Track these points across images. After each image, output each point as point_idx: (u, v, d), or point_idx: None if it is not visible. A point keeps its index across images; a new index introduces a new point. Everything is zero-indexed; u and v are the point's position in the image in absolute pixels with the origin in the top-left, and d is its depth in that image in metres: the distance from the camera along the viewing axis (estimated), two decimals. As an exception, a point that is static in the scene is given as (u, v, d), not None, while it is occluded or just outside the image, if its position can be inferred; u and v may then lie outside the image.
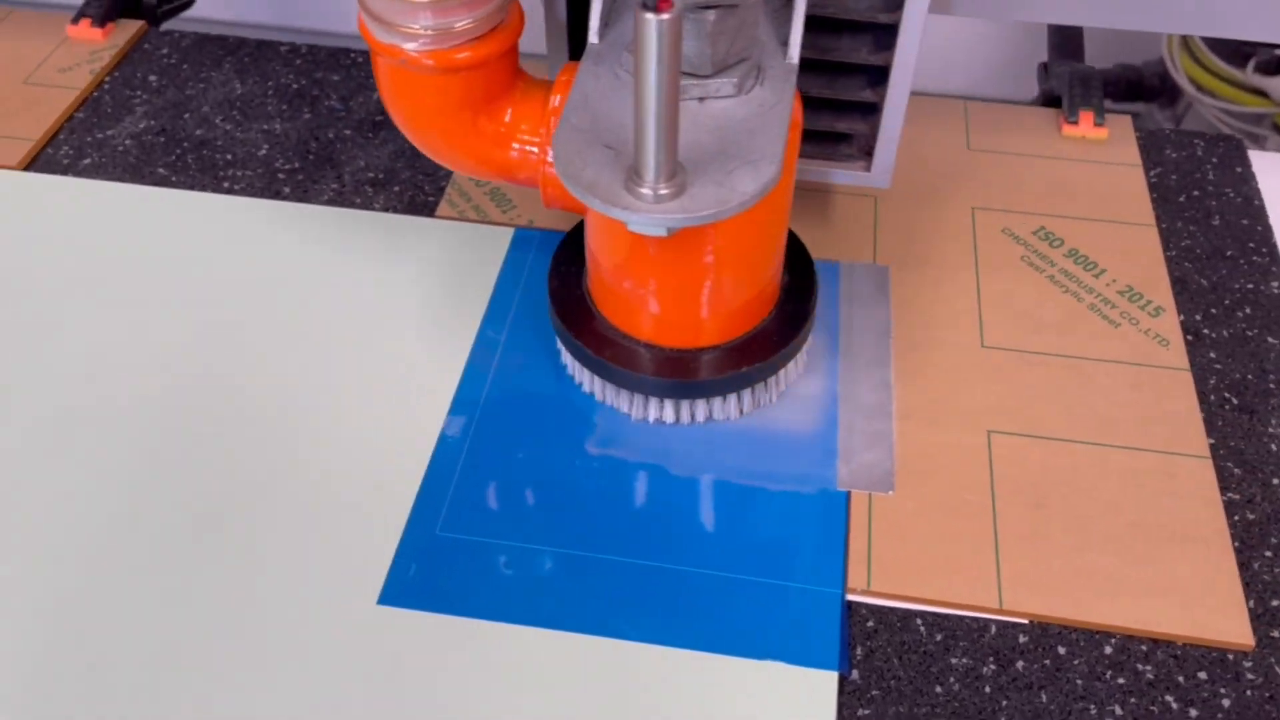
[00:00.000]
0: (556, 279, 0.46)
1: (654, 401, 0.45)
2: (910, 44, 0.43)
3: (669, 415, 0.45)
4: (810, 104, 0.46)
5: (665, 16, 0.31)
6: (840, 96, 0.45)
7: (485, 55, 0.40)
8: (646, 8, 0.31)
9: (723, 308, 0.43)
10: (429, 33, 0.39)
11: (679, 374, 0.43)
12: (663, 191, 0.35)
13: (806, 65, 0.44)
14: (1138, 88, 1.23)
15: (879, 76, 0.45)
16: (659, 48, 0.31)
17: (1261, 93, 1.08)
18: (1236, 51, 1.08)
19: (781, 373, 0.45)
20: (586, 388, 0.46)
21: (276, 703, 0.38)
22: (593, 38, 0.41)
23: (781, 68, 0.39)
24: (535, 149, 0.43)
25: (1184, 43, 1.14)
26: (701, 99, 0.38)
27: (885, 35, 0.44)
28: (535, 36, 0.45)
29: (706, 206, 0.35)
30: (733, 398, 0.45)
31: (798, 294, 0.45)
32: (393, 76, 0.41)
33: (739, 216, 0.36)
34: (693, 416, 0.45)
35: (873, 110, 0.46)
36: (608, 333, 0.44)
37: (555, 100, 0.42)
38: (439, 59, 0.39)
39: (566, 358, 0.47)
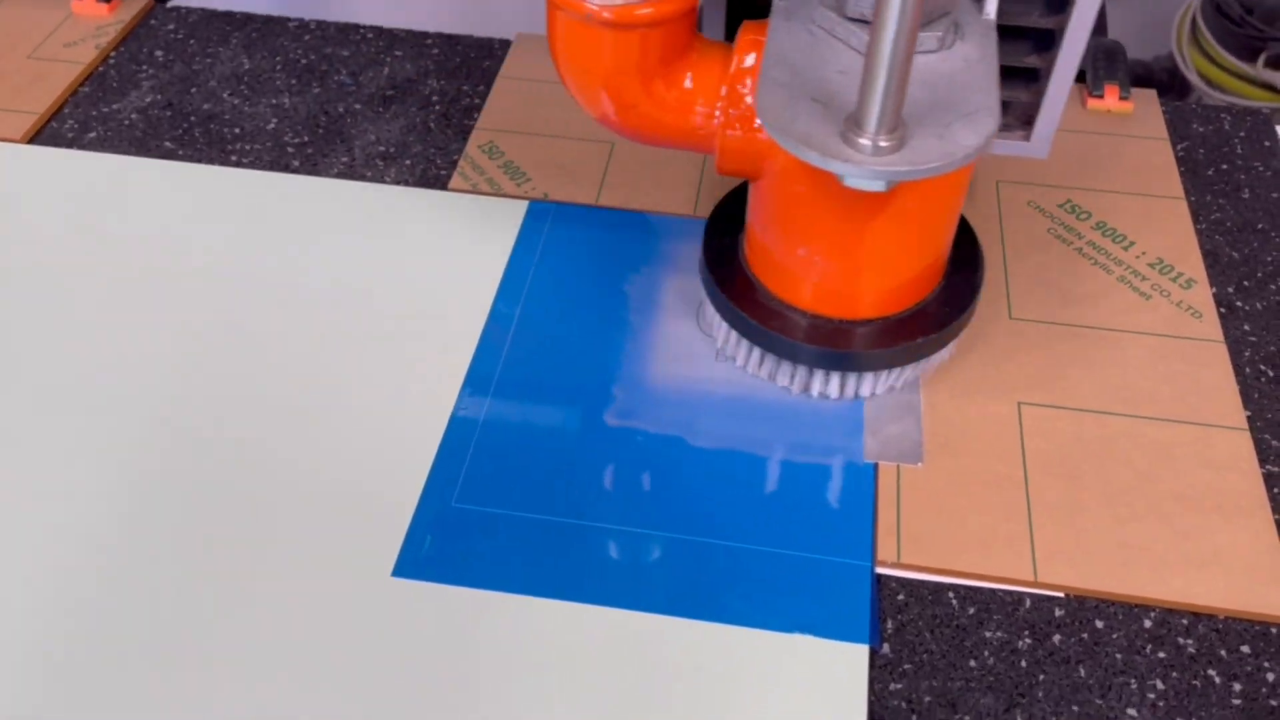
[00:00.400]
0: (712, 251, 0.44)
1: (818, 374, 0.43)
2: (1087, 8, 0.41)
3: (833, 390, 0.44)
4: None
5: None
6: (1006, 62, 0.43)
7: (667, 13, 0.38)
8: None
9: (901, 275, 0.41)
10: None
11: (846, 345, 0.42)
12: (883, 144, 0.33)
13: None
14: (1147, 83, 1.22)
15: (1045, 42, 0.43)
16: None
17: (1271, 87, 1.07)
18: (1246, 46, 1.07)
19: (947, 347, 0.44)
20: (740, 362, 0.45)
21: (292, 675, 0.36)
22: None
23: (979, 23, 0.39)
24: (717, 114, 0.41)
25: (1194, 38, 1.14)
26: None
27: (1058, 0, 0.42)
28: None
29: (930, 159, 0.34)
30: (896, 371, 0.43)
31: (962, 267, 0.44)
32: (568, 32, 0.39)
33: (937, 177, 0.34)
34: (856, 392, 0.44)
35: (1034, 77, 0.44)
36: (772, 304, 0.43)
37: (746, 60, 0.40)
38: (619, 14, 0.38)
39: (720, 333, 0.45)
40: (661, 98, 0.41)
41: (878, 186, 0.34)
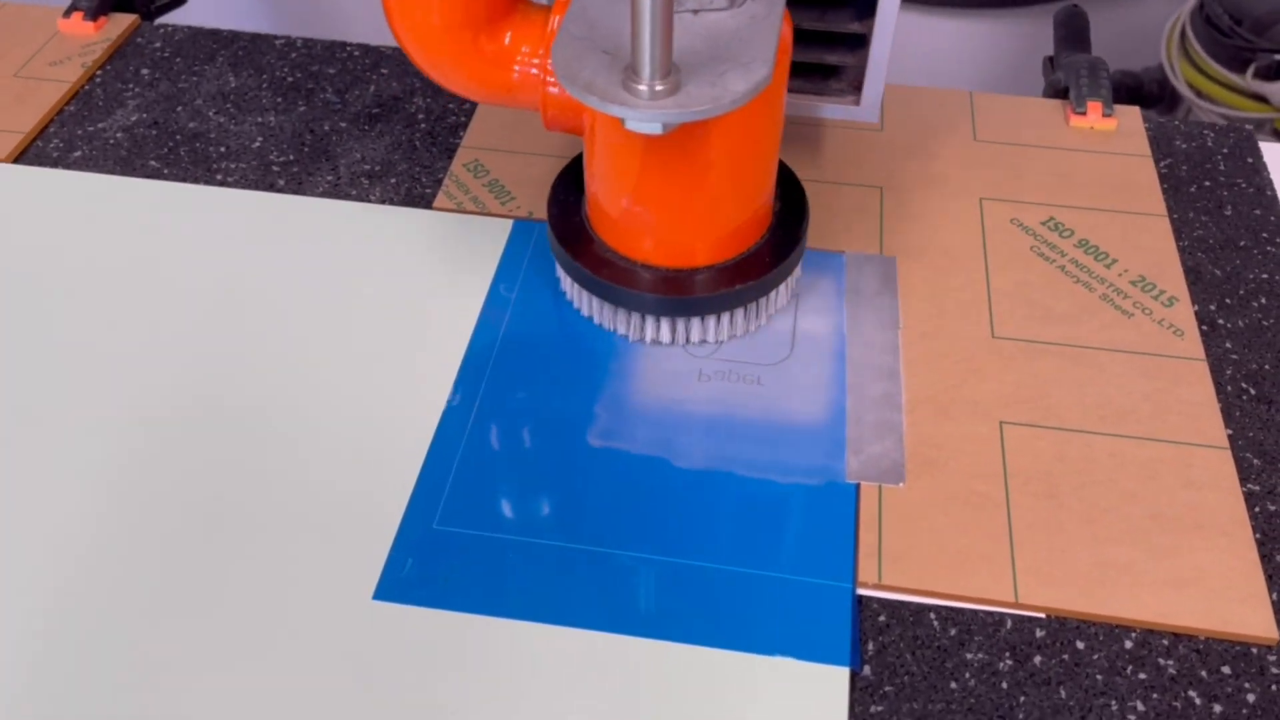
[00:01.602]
0: (556, 206, 0.47)
1: (650, 321, 0.46)
2: None
3: (664, 334, 0.46)
4: (801, 37, 0.47)
5: None
6: (830, 28, 0.46)
7: None
8: None
9: (718, 224, 0.44)
10: None
11: (674, 291, 0.44)
12: (658, 88, 0.36)
13: (797, -1, 0.45)
14: (1137, 94, 1.23)
15: (867, 9, 0.46)
16: None
17: (1261, 98, 1.07)
18: (1235, 57, 1.08)
19: (772, 295, 0.46)
20: (585, 311, 0.47)
21: (272, 700, 0.36)
22: None
23: None
24: (536, 70, 0.43)
25: (1183, 49, 1.14)
26: (696, 11, 0.40)
27: None
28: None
29: (700, 103, 0.36)
30: (725, 318, 0.46)
31: (790, 218, 0.47)
32: None
33: (733, 124, 0.37)
34: (687, 336, 0.46)
35: (861, 43, 0.47)
36: (606, 254, 0.45)
37: (555, 22, 0.43)
38: None
39: (566, 284, 0.48)
40: (488, 54, 0.43)
41: (654, 129, 0.37)
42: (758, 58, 0.38)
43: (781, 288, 0.47)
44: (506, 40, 0.43)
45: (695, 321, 0.46)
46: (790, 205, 0.47)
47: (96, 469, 0.43)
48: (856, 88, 0.48)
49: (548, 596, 0.39)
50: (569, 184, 0.48)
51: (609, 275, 0.45)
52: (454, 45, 0.43)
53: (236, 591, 0.39)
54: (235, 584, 0.39)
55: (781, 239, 0.46)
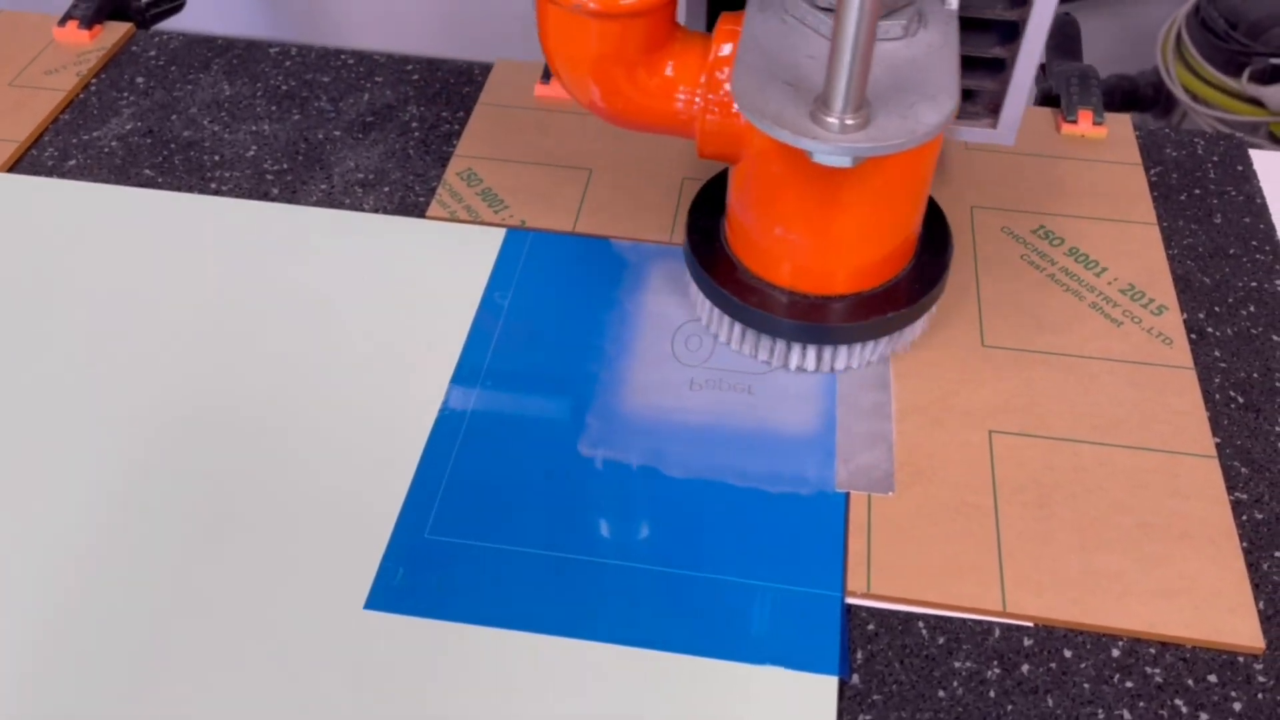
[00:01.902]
0: (696, 233, 0.47)
1: (795, 348, 0.46)
2: (1048, 1, 0.43)
3: (809, 363, 0.46)
4: None
5: None
6: (972, 53, 0.46)
7: (648, 4, 0.40)
8: None
9: (875, 251, 0.44)
10: None
11: (822, 319, 0.44)
12: (849, 122, 0.36)
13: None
14: (1133, 97, 1.23)
15: (1010, 33, 0.45)
16: None
17: (1256, 101, 1.08)
18: (1231, 61, 1.08)
19: (917, 322, 0.46)
20: (723, 338, 0.47)
21: (263, 709, 0.36)
22: None
23: (941, 13, 0.41)
24: (697, 100, 0.43)
25: (1179, 52, 1.14)
26: None
27: None
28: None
29: (894, 136, 0.36)
30: (870, 345, 0.45)
31: (933, 245, 0.46)
32: (557, 23, 0.42)
33: (906, 155, 0.37)
34: (832, 364, 0.46)
35: (1000, 67, 0.47)
36: (751, 282, 0.45)
37: (724, 49, 0.42)
38: (603, 4, 0.40)
39: (702, 309, 0.48)
40: (644, 84, 0.43)
41: (844, 162, 0.37)
42: (943, 89, 0.38)
43: (927, 315, 0.46)
44: (668, 71, 0.43)
45: (842, 349, 0.45)
46: (931, 231, 0.47)
47: (91, 477, 0.43)
48: (993, 110, 0.47)
49: (538, 606, 0.39)
50: (707, 209, 0.48)
51: (756, 303, 0.44)
52: (612, 78, 0.42)
53: (228, 600, 0.39)
54: (227, 592, 0.39)
55: (927, 264, 0.46)
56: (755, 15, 0.41)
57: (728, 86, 0.42)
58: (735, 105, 0.42)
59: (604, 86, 0.43)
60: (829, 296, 0.44)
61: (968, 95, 0.49)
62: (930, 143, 0.38)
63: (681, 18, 0.46)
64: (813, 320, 0.44)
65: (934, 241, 0.47)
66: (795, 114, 0.37)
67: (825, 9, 0.40)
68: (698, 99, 0.43)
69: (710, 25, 0.46)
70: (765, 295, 0.45)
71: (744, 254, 0.46)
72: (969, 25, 0.45)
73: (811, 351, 0.45)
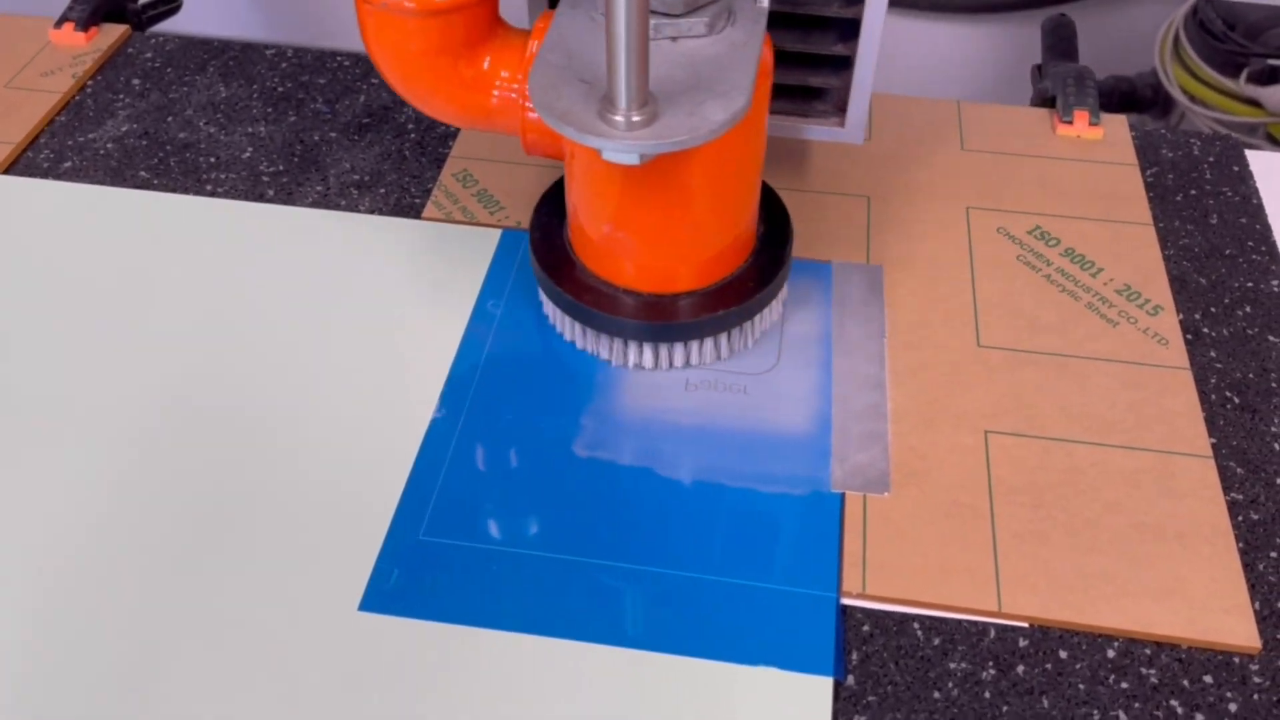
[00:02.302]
0: (538, 230, 0.47)
1: (633, 346, 0.45)
2: None
3: (648, 360, 0.46)
4: (784, 59, 0.47)
5: None
6: (812, 50, 0.46)
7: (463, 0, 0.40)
8: None
9: (699, 249, 0.44)
10: None
11: (657, 317, 0.44)
12: (635, 119, 0.35)
13: (780, 20, 0.45)
14: (1131, 98, 1.23)
15: (850, 31, 0.46)
16: None
17: (1254, 102, 1.08)
18: (1229, 61, 1.08)
19: (757, 318, 0.46)
20: (568, 336, 0.47)
21: (257, 710, 0.36)
22: None
23: (752, 10, 0.41)
24: (515, 94, 0.43)
25: (1176, 53, 1.14)
26: (674, 38, 0.39)
27: None
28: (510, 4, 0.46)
29: (678, 133, 0.36)
30: (709, 342, 0.46)
31: (773, 241, 0.46)
32: (376, 21, 0.41)
33: (713, 152, 0.37)
34: (670, 361, 0.46)
35: (845, 65, 0.47)
36: (588, 279, 0.45)
37: (533, 46, 0.42)
38: (420, 2, 0.40)
39: (549, 308, 0.47)
40: (467, 79, 0.43)
41: (631, 160, 0.36)
42: (736, 86, 0.37)
43: (765, 311, 0.46)
44: (485, 65, 0.43)
45: (679, 347, 0.45)
46: (774, 227, 0.47)
47: (85, 479, 0.43)
48: (841, 109, 0.48)
49: (533, 607, 0.39)
50: (551, 208, 0.48)
51: (591, 301, 0.44)
52: (432, 71, 0.42)
53: (222, 601, 0.39)
54: (221, 594, 0.39)
55: (766, 261, 0.46)
56: (566, 12, 0.41)
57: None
58: (532, 112, 0.42)
59: (426, 82, 0.43)
60: (664, 295, 0.44)
61: (814, 93, 0.49)
62: (745, 137, 0.38)
63: (527, 16, 0.47)
64: (647, 319, 0.44)
65: (775, 233, 0.47)
66: (583, 111, 0.36)
67: None
68: (514, 94, 0.43)
69: None
70: (600, 294, 0.45)
71: (582, 252, 0.46)
72: (812, 24, 0.46)
73: (648, 349, 0.45)
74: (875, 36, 0.45)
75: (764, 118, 0.43)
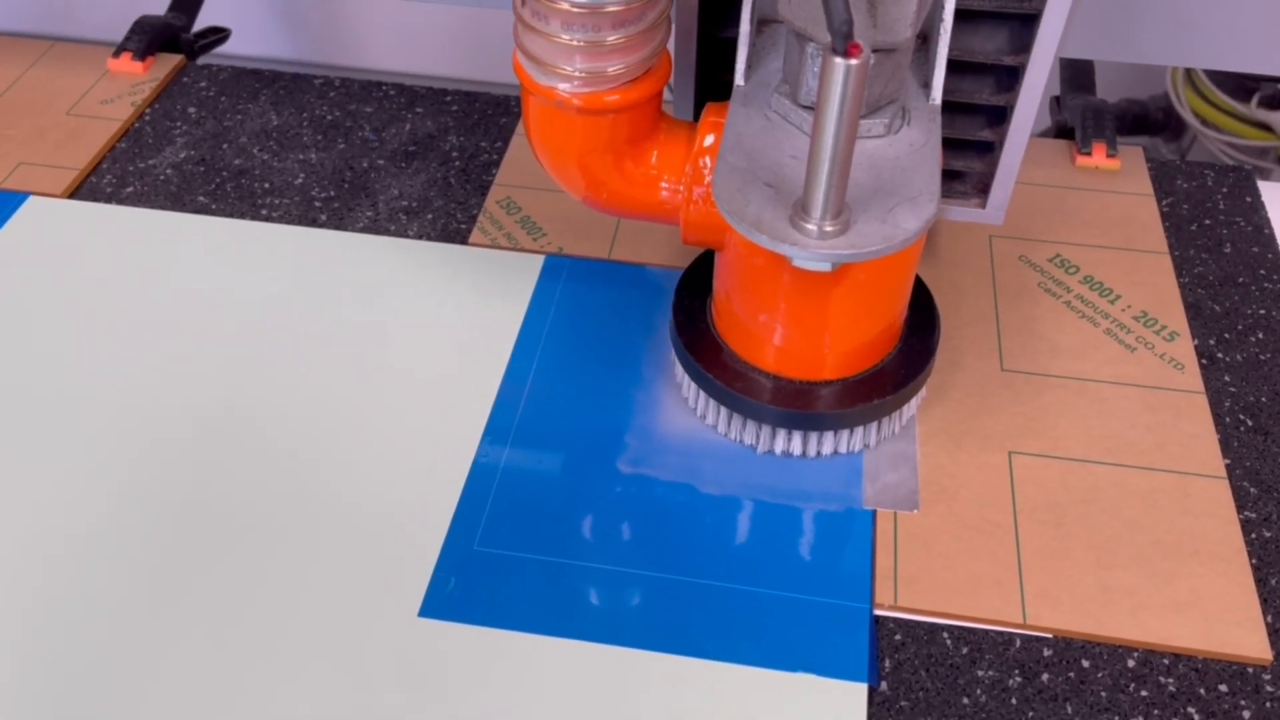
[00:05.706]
0: (681, 314, 0.46)
1: (781, 433, 0.45)
2: (1035, 85, 0.44)
3: (795, 447, 0.46)
4: None
5: (854, 62, 0.32)
6: (961, 136, 0.46)
7: (634, 99, 0.40)
8: (836, 52, 0.32)
9: (857, 340, 0.43)
10: (581, 75, 0.39)
11: (810, 406, 0.44)
12: (828, 228, 0.36)
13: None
14: (1143, 121, 1.25)
15: (997, 117, 0.46)
16: (844, 90, 0.32)
17: (1265, 126, 1.10)
18: (1240, 86, 1.10)
19: (905, 406, 0.45)
20: (709, 420, 0.47)
21: (320, 712, 0.39)
22: (739, 80, 0.42)
23: (926, 109, 0.41)
24: (681, 189, 0.43)
25: (1188, 77, 1.16)
26: None
27: (1007, 77, 0.45)
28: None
29: (873, 242, 0.36)
30: (859, 430, 0.45)
31: (919, 328, 0.46)
32: (542, 116, 0.42)
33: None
34: (819, 450, 0.46)
35: (988, 149, 0.47)
36: (737, 366, 0.44)
37: (707, 140, 0.43)
38: (588, 101, 0.40)
39: (689, 391, 0.47)
40: (630, 174, 0.43)
41: (823, 268, 0.37)
42: (924, 191, 0.37)
43: (915, 399, 0.46)
44: (653, 160, 0.43)
45: (829, 435, 0.45)
46: (919, 312, 0.46)
47: (146, 494, 0.45)
48: (981, 190, 0.48)
49: (579, 615, 0.41)
50: (691, 291, 0.47)
51: (742, 389, 0.44)
52: (598, 169, 0.43)
53: (290, 608, 0.41)
54: (289, 601, 0.42)
55: (914, 349, 0.45)
56: (739, 109, 0.41)
57: (709, 177, 0.42)
58: (695, 193, 0.42)
59: (589, 177, 0.43)
60: (813, 382, 0.44)
61: (956, 176, 0.48)
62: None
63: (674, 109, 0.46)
64: (797, 407, 0.43)
65: (921, 324, 0.46)
66: (774, 218, 0.36)
67: (807, 107, 0.40)
68: (681, 189, 0.43)
69: (698, 115, 0.46)
70: (750, 380, 0.44)
71: (730, 339, 0.45)
72: (958, 108, 0.46)
73: (797, 436, 0.45)
74: (1028, 123, 0.45)
75: None
